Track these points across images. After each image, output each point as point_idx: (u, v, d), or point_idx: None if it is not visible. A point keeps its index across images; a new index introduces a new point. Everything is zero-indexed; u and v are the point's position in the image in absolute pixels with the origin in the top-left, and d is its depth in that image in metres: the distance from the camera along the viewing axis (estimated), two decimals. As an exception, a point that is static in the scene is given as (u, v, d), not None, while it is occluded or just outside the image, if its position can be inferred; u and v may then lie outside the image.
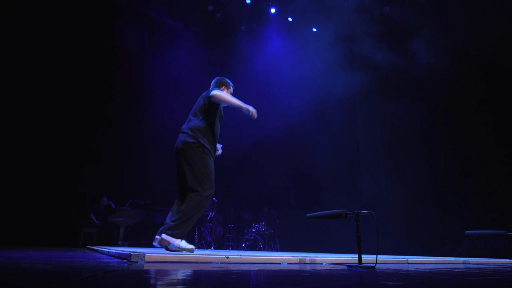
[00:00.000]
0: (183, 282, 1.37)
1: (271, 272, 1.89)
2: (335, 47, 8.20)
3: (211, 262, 2.42)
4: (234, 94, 3.64)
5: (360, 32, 8.26)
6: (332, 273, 1.94)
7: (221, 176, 8.95)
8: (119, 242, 6.75)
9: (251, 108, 3.12)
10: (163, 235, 2.95)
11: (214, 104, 3.24)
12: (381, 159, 8.98)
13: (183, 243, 2.96)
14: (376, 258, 2.53)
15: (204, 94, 3.41)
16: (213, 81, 3.61)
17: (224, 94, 3.17)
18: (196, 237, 7.53)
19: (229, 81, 3.63)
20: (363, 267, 2.36)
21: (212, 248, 7.47)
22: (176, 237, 2.94)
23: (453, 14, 8.15)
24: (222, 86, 3.56)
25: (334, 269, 2.22)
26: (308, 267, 2.34)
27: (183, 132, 3.27)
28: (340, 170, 9.24)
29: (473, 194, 8.18)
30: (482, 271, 2.45)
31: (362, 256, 2.60)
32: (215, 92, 3.16)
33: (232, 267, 2.09)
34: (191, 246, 2.98)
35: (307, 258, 2.87)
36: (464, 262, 3.81)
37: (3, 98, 6.81)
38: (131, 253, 2.28)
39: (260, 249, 7.52)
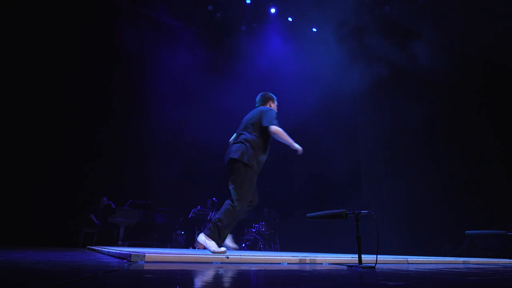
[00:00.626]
0: (183, 282, 1.37)
1: (271, 272, 1.89)
2: (335, 47, 8.19)
3: (211, 262, 2.42)
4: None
5: (360, 32, 8.25)
6: (332, 273, 1.94)
7: (222, 176, 8.97)
8: (119, 242, 6.74)
9: (300, 150, 3.54)
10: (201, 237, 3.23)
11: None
12: (381, 159, 8.98)
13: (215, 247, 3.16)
14: (376, 258, 2.53)
15: (258, 111, 3.57)
16: (259, 98, 3.85)
17: (282, 133, 3.41)
18: (196, 237, 7.52)
19: (273, 95, 3.87)
20: (363, 267, 2.36)
21: (212, 248, 7.46)
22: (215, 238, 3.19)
23: (453, 14, 8.14)
24: (269, 101, 3.83)
25: (334, 269, 2.22)
26: (308, 267, 2.34)
27: (239, 143, 3.43)
28: (340, 170, 9.24)
29: (473, 194, 8.17)
30: (482, 271, 2.45)
31: (362, 256, 2.60)
32: (276, 129, 3.39)
33: (232, 267, 2.09)
34: (223, 249, 3.16)
35: (307, 258, 2.87)
36: (464, 262, 3.81)
37: (3, 98, 6.80)
38: (131, 253, 2.28)
39: (260, 249, 7.52)
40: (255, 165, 3.37)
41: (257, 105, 3.82)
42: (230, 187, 3.35)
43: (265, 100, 3.82)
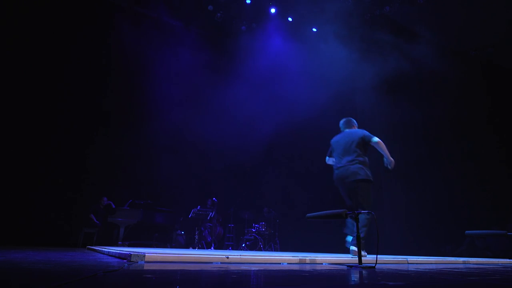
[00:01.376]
0: (183, 282, 1.37)
1: (271, 272, 1.89)
2: (335, 48, 8.19)
3: (211, 262, 2.42)
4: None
5: (359, 33, 8.25)
6: (332, 273, 1.94)
7: (223, 176, 8.98)
8: (119, 242, 6.75)
9: (393, 162, 4.20)
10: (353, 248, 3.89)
11: (369, 145, 4.22)
12: (380, 159, 8.96)
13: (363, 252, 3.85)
14: (376, 258, 2.53)
15: (357, 133, 4.27)
16: (344, 122, 4.54)
17: (383, 144, 4.17)
18: (196, 237, 7.53)
19: (352, 119, 4.60)
20: (363, 267, 2.36)
21: (212, 248, 7.47)
22: (363, 248, 3.84)
23: (453, 14, 8.14)
24: (354, 126, 4.53)
25: (334, 269, 2.22)
26: (308, 267, 2.34)
27: (357, 164, 4.09)
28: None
29: (473, 194, 8.17)
30: (482, 271, 2.45)
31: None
32: (380, 141, 4.16)
33: (232, 267, 2.09)
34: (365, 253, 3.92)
35: (307, 258, 2.87)
36: (464, 262, 3.81)
37: (3, 98, 6.80)
38: (131, 253, 2.28)
39: (260, 249, 7.52)
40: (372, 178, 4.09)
41: (342, 128, 4.52)
42: (361, 201, 3.98)
43: (352, 125, 4.52)
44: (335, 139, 4.44)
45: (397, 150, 8.83)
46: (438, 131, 8.88)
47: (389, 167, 4.21)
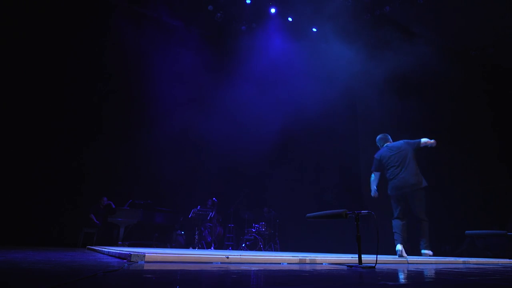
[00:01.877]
0: (183, 282, 1.37)
1: (271, 272, 1.89)
2: (335, 47, 8.19)
3: (211, 262, 2.42)
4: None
5: (359, 33, 8.25)
6: (332, 273, 1.94)
7: (223, 176, 8.97)
8: (119, 242, 6.75)
9: (434, 142, 4.66)
10: (428, 251, 4.47)
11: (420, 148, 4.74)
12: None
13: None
14: (376, 258, 2.53)
15: (404, 144, 4.78)
16: (380, 139, 5.10)
17: (427, 139, 4.71)
18: (196, 237, 7.53)
19: (387, 134, 5.17)
20: (363, 267, 2.36)
21: (212, 248, 7.47)
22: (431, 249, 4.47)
23: (453, 14, 8.14)
24: (390, 140, 5.02)
25: (334, 269, 2.22)
26: (308, 267, 2.34)
27: (415, 173, 4.58)
28: (340, 170, 9.23)
29: (473, 194, 8.17)
30: (482, 271, 2.45)
31: (362, 256, 2.60)
32: (425, 140, 4.72)
33: (232, 267, 2.10)
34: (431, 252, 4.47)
35: (307, 258, 2.87)
36: (464, 262, 3.81)
37: (3, 98, 6.80)
38: (131, 253, 2.28)
39: (260, 249, 7.52)
40: None
41: (381, 144, 5.03)
42: (418, 208, 4.45)
43: (389, 139, 5.05)
44: (383, 154, 4.84)
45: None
46: (438, 130, 8.86)
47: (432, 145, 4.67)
